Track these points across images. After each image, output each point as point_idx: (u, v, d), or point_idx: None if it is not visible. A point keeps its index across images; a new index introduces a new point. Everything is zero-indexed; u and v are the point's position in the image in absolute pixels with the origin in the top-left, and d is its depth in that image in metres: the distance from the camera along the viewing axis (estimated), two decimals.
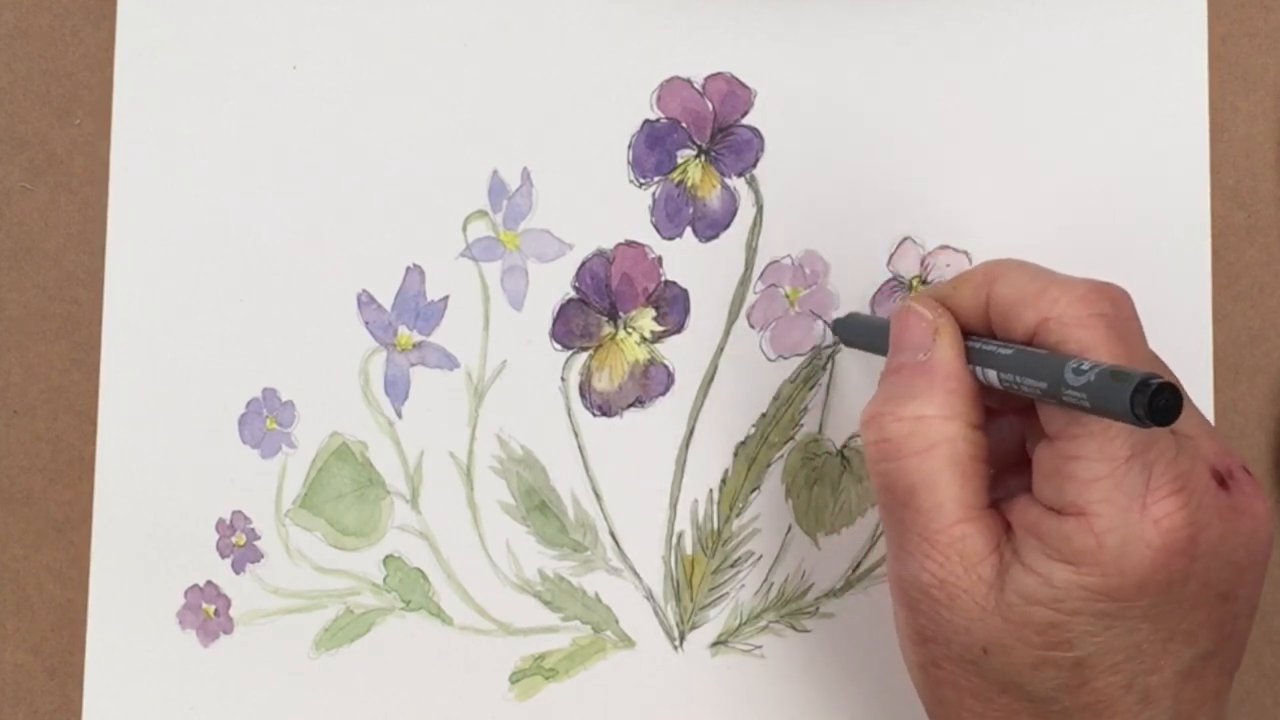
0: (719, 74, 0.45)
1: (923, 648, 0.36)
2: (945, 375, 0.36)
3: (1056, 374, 0.33)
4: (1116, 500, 0.33)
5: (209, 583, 0.45)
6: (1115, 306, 0.35)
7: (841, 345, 0.44)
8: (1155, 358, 0.37)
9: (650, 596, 0.45)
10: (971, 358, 0.37)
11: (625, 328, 0.45)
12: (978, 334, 0.37)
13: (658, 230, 0.45)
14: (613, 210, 0.45)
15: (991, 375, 0.36)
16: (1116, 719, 0.35)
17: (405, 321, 0.45)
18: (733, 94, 0.45)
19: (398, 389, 0.45)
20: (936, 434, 0.36)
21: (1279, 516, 0.45)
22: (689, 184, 0.45)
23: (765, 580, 0.45)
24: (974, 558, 0.35)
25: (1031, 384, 0.34)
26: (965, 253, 0.44)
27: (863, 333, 0.42)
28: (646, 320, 0.45)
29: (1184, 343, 0.44)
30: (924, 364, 0.37)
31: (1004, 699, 0.35)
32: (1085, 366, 0.32)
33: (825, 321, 0.45)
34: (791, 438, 0.45)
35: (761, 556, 0.45)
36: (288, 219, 0.45)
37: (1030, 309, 0.35)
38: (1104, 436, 0.33)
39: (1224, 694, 0.36)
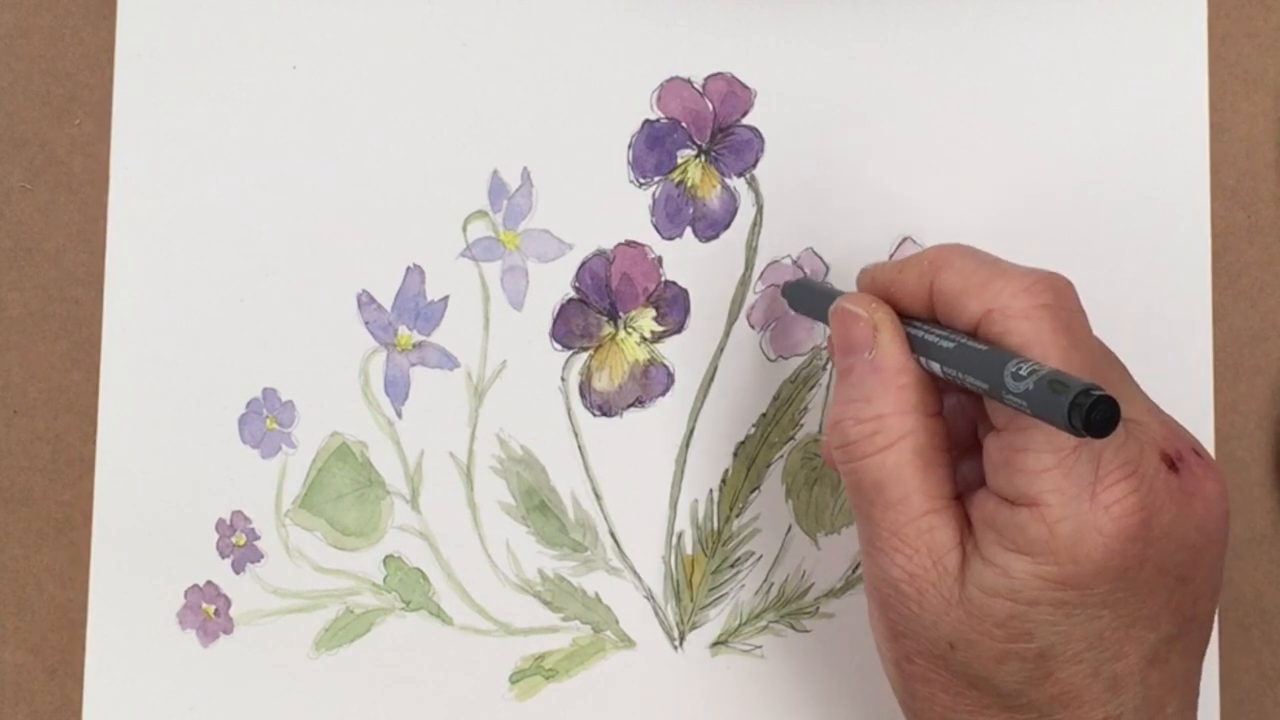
0: (719, 74, 0.45)
1: (895, 644, 0.37)
2: (894, 371, 0.36)
3: (997, 375, 0.33)
4: (1066, 489, 0.33)
5: (209, 583, 0.45)
6: (1059, 297, 0.35)
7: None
8: (1101, 346, 0.37)
9: (650, 596, 0.45)
10: (916, 348, 0.37)
11: (625, 328, 0.45)
12: (922, 319, 0.37)
13: (658, 230, 0.45)
14: (613, 210, 0.45)
15: (935, 367, 0.36)
16: (1085, 709, 0.35)
17: (405, 321, 0.45)
18: (733, 94, 0.45)
19: (398, 389, 0.45)
20: (896, 430, 0.36)
21: (1276, 511, 0.45)
22: (689, 184, 0.45)
23: (765, 580, 0.45)
24: (941, 550, 0.35)
25: (974, 382, 0.34)
26: None
27: (811, 301, 0.42)
28: (646, 320, 0.45)
29: (1184, 343, 0.44)
30: (872, 363, 0.37)
31: (973, 693, 0.35)
32: (1024, 371, 0.32)
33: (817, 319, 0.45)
34: (791, 438, 0.45)
35: (761, 556, 0.45)
36: (288, 219, 0.45)
37: (975, 299, 0.35)
38: (1050, 428, 0.33)
39: (1193, 678, 0.37)
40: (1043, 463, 0.34)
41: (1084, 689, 0.35)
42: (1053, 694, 0.35)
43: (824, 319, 0.40)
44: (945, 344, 0.35)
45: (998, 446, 0.35)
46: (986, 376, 0.34)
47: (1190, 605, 0.36)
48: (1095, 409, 0.31)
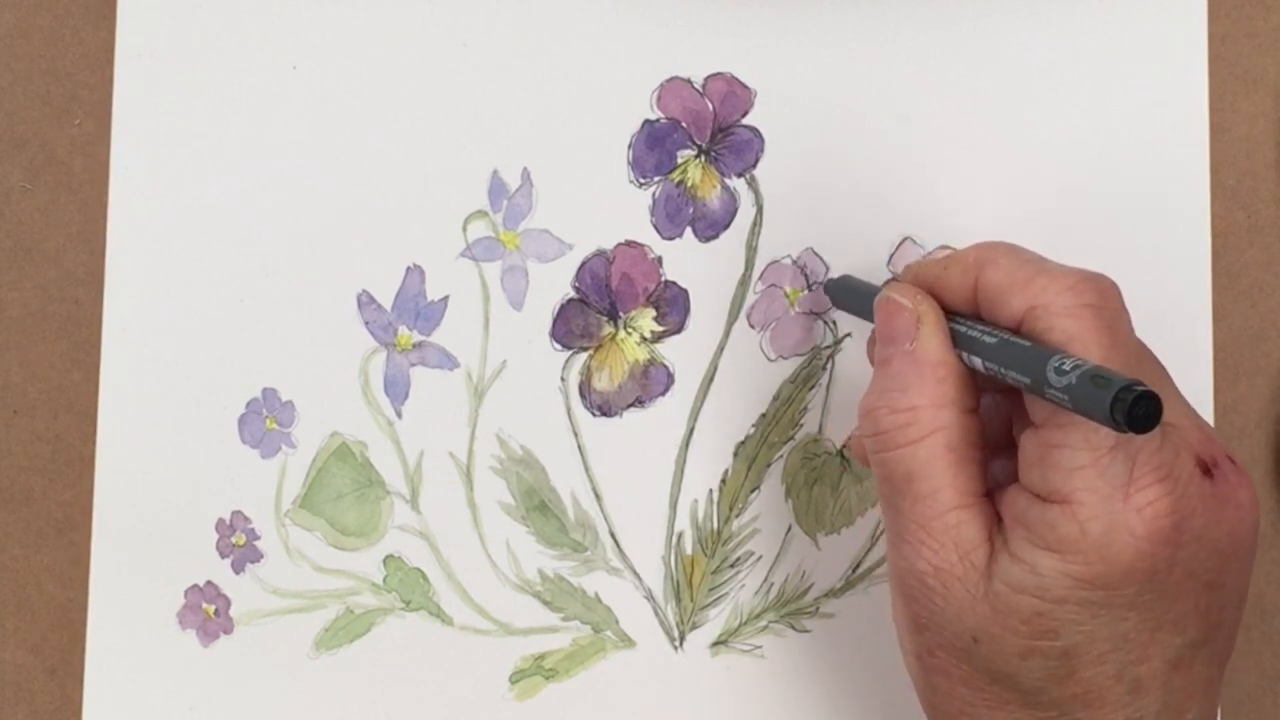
0: (719, 74, 0.45)
1: (918, 636, 0.37)
2: (933, 364, 0.36)
3: (1039, 370, 0.33)
4: (1100, 489, 0.33)
5: (209, 583, 0.45)
6: (1102, 297, 0.35)
7: (843, 345, 0.45)
8: (1142, 348, 0.37)
9: (650, 596, 0.45)
10: (958, 343, 0.37)
11: (625, 328, 0.45)
12: (965, 315, 0.37)
13: (658, 230, 0.45)
14: (613, 210, 0.45)
15: (977, 362, 0.36)
16: (1106, 709, 0.35)
17: (405, 321, 0.45)
18: (733, 94, 0.45)
19: (398, 389, 0.45)
20: (930, 423, 0.36)
21: (1276, 511, 0.45)
22: (689, 184, 0.45)
23: (765, 580, 0.45)
24: (967, 545, 0.35)
25: (1015, 376, 0.34)
26: None
27: (854, 298, 0.42)
28: (646, 320, 0.45)
29: (1184, 343, 0.44)
30: (911, 354, 0.37)
31: (994, 688, 0.35)
32: (1067, 366, 0.33)
33: (826, 322, 0.45)
34: (791, 438, 0.45)
35: (761, 556, 0.45)
36: (288, 219, 0.45)
37: (1018, 296, 0.35)
38: (1088, 425, 0.33)
39: (1215, 684, 0.36)
40: (1078, 460, 0.34)
41: (1106, 690, 0.35)
42: (1074, 693, 0.35)
43: (866, 315, 0.40)
44: (988, 339, 0.36)
45: (1034, 443, 0.35)
46: (1029, 371, 0.34)
47: (1217, 612, 0.36)
48: (1137, 404, 0.31)
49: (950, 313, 0.37)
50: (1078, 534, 0.34)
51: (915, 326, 0.37)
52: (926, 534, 0.36)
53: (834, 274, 0.45)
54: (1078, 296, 0.34)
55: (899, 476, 0.36)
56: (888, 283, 0.40)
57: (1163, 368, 0.38)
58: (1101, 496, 0.33)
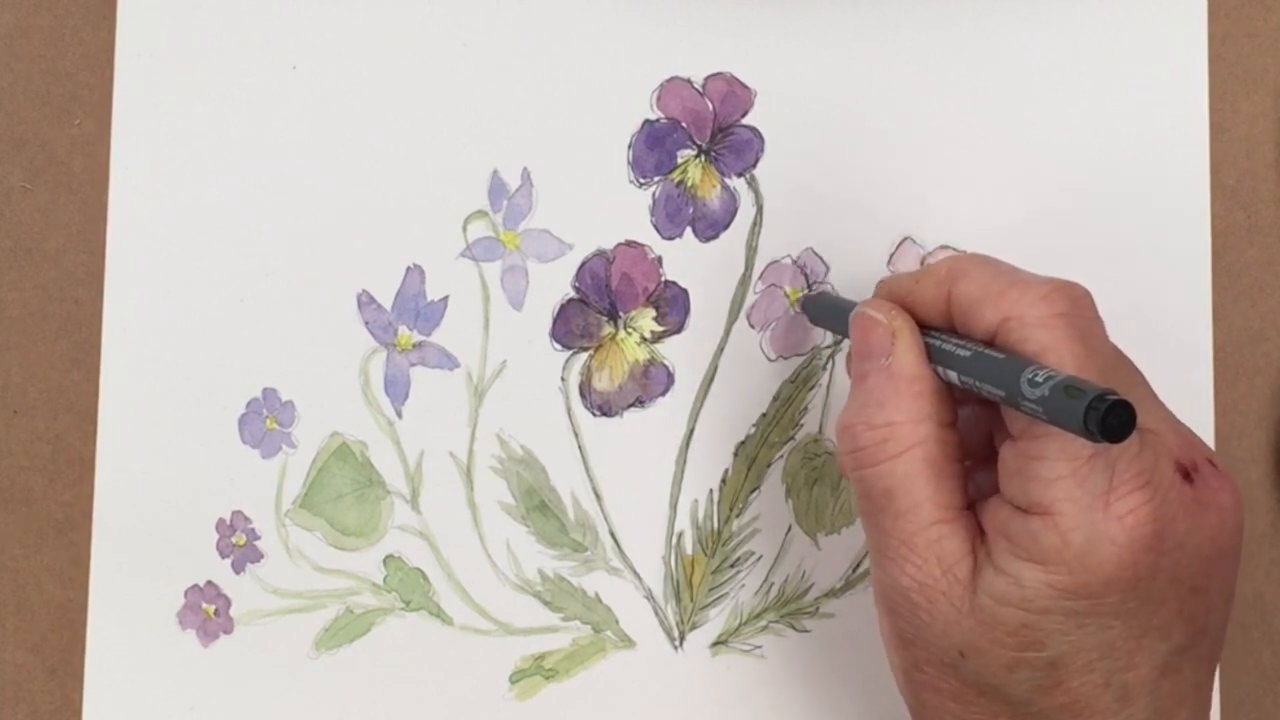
0: (719, 74, 0.45)
1: (905, 652, 0.37)
2: (909, 379, 0.36)
3: (1013, 382, 0.33)
4: (1080, 498, 0.33)
5: (209, 583, 0.45)
6: (1075, 305, 0.35)
7: (843, 345, 0.45)
8: (1118, 354, 0.37)
9: (650, 596, 0.45)
10: (933, 356, 0.37)
11: (625, 328, 0.45)
12: (939, 329, 0.37)
13: (658, 230, 0.45)
14: (613, 210, 0.45)
15: (952, 375, 0.36)
16: (1095, 718, 0.35)
17: (405, 321, 0.45)
18: (733, 94, 0.45)
19: (398, 389, 0.45)
20: (908, 438, 0.36)
21: (1276, 511, 0.45)
22: (689, 184, 0.45)
23: (765, 580, 0.45)
24: (950, 559, 0.35)
25: (990, 389, 0.34)
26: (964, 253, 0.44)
27: (831, 314, 0.42)
28: (646, 320, 0.45)
29: (1184, 343, 0.44)
30: (887, 369, 0.37)
31: (982, 701, 0.35)
32: (1040, 378, 0.32)
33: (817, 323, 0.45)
34: (791, 438, 0.45)
35: (761, 556, 0.45)
36: (288, 219, 0.45)
37: (991, 308, 0.35)
38: (1065, 435, 0.33)
39: (1205, 688, 0.36)
40: (1057, 471, 0.34)
41: (1094, 699, 0.34)
42: (1063, 703, 0.35)
43: (843, 332, 0.40)
44: (962, 352, 0.35)
45: (1013, 454, 0.35)
46: (1003, 383, 0.34)
47: (1203, 616, 0.35)
48: (1111, 413, 0.31)
49: (925, 327, 0.37)
50: (1060, 544, 0.33)
51: (890, 341, 0.37)
52: (909, 550, 0.36)
53: (833, 274, 0.45)
54: (1050, 306, 0.34)
55: (879, 493, 0.36)
56: (876, 292, 0.39)
57: (1139, 373, 0.38)
58: (1082, 506, 0.33)
